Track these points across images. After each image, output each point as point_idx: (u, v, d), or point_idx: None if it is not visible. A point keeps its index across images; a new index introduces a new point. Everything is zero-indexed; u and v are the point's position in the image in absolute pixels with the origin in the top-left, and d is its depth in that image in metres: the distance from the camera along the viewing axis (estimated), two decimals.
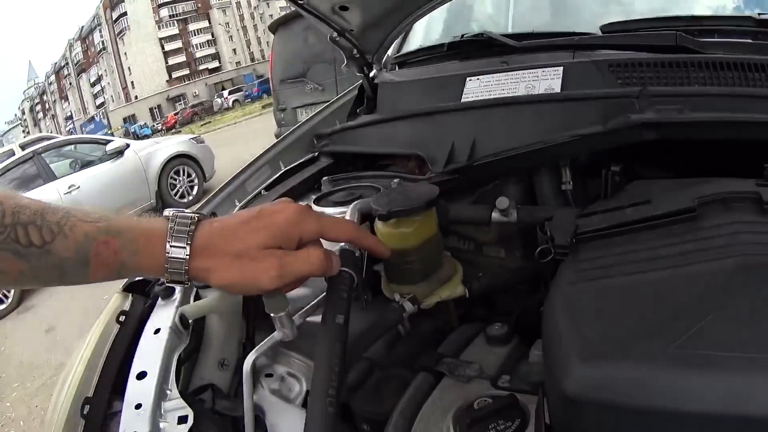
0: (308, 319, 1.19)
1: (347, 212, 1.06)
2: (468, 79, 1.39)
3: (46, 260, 0.74)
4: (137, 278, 1.31)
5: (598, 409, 0.61)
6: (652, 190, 0.95)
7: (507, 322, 1.05)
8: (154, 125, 56.08)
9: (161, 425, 0.93)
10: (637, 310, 0.70)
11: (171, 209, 0.80)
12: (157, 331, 1.11)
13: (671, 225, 0.82)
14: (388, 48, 1.74)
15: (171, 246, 0.76)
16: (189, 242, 0.76)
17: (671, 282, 0.72)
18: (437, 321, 1.25)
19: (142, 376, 1.02)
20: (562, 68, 1.29)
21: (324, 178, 1.36)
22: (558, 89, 1.28)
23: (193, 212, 0.80)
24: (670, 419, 0.58)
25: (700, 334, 0.61)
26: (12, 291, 7.58)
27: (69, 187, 8.44)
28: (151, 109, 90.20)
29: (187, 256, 0.76)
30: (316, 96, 6.72)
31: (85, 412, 1.01)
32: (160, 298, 1.20)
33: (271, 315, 0.91)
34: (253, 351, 0.97)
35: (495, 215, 1.11)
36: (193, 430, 0.92)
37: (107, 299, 1.32)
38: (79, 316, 6.25)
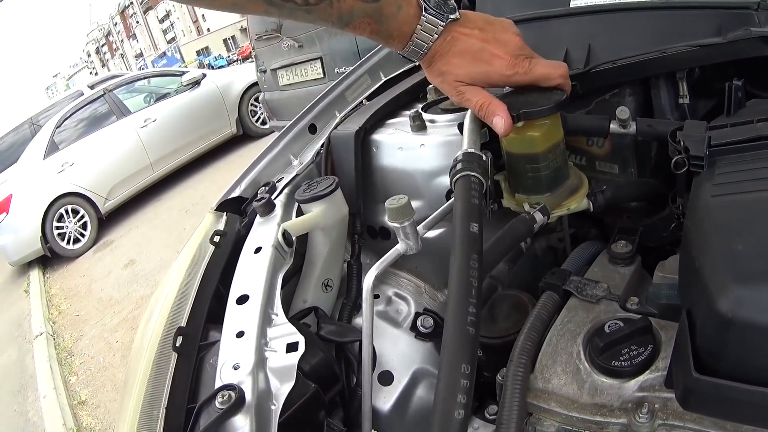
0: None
1: (466, 116, 1.00)
2: None
3: (300, 15, 0.85)
4: (231, 196, 1.29)
5: (754, 330, 0.58)
6: None
7: (630, 241, 1.01)
8: (228, 56, 56.35)
9: (267, 354, 0.86)
10: None
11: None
12: (258, 250, 1.07)
13: None
14: None
15: (411, 46, 0.91)
16: (435, 37, 0.91)
17: None
18: (551, 239, 1.21)
19: (243, 300, 0.96)
20: None
21: (429, 86, 1.31)
22: None
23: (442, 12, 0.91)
24: None
25: None
26: (89, 229, 7.89)
27: (144, 121, 8.72)
28: (225, 41, 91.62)
29: (422, 54, 0.92)
30: (294, 55, 6.11)
31: (177, 345, 0.94)
32: (258, 216, 1.17)
33: (394, 225, 0.88)
34: (375, 266, 0.91)
35: (614, 126, 1.06)
36: (302, 356, 0.86)
37: (189, 230, 1.30)
38: (159, 248, 6.48)
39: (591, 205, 1.02)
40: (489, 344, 0.98)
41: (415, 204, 1.17)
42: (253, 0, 0.82)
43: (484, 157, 0.88)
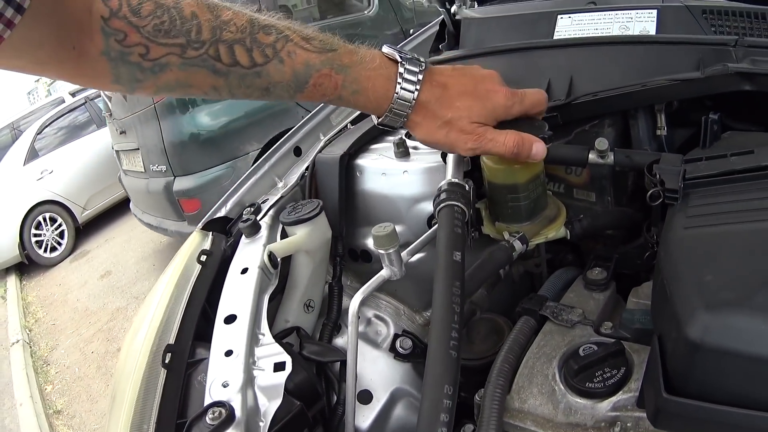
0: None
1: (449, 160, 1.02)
2: (559, 16, 1.36)
3: (251, 81, 0.77)
4: (217, 216, 1.31)
5: (719, 355, 0.62)
6: (749, 141, 0.95)
7: (605, 268, 1.04)
8: None
9: (255, 372, 0.88)
10: (757, 258, 0.69)
11: (392, 48, 0.83)
12: (244, 270, 1.08)
13: None
14: None
15: (397, 97, 0.82)
16: (414, 94, 0.82)
17: None
18: (528, 264, 1.24)
19: (231, 319, 0.97)
20: (656, 11, 1.26)
21: None
22: (653, 32, 1.26)
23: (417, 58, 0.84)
24: None
25: None
26: (66, 238, 7.80)
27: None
28: None
29: (410, 110, 0.83)
30: (121, 140, 5.32)
31: (166, 361, 0.95)
32: (244, 236, 1.18)
33: (379, 251, 0.91)
34: (361, 290, 0.94)
35: (592, 156, 1.08)
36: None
37: (164, 243, 1.31)
38: (135, 261, 6.42)
39: (568, 233, 1.05)
40: (467, 366, 1.00)
41: (398, 228, 1.20)
42: (199, 72, 0.75)
43: (467, 187, 0.90)
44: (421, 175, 1.18)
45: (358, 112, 1.53)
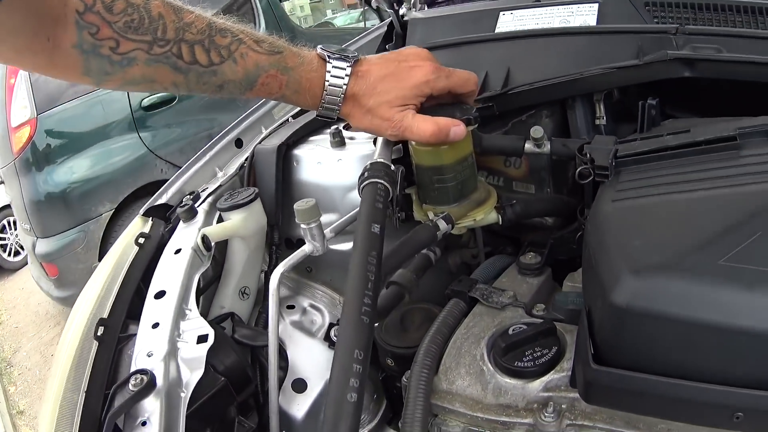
0: (335, 248, 1.16)
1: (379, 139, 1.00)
2: (501, 13, 1.34)
3: (207, 78, 0.82)
4: (158, 203, 1.28)
5: (648, 320, 0.59)
6: (688, 126, 0.91)
7: (540, 253, 1.01)
8: None
9: (179, 344, 0.87)
10: (683, 226, 0.67)
11: (324, 49, 0.88)
12: (177, 251, 1.06)
13: (712, 153, 0.79)
14: None
15: (326, 94, 0.86)
16: (343, 89, 0.86)
17: (718, 201, 0.69)
18: (464, 254, 1.20)
19: (160, 295, 0.97)
20: (597, 4, 1.23)
21: None
22: (594, 24, 1.23)
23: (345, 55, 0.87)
24: (720, 333, 0.56)
25: (750, 250, 0.58)
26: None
27: None
28: None
29: (340, 104, 0.87)
30: None
31: (99, 334, 0.95)
32: (181, 221, 1.15)
33: (302, 226, 0.88)
34: (281, 264, 0.91)
35: (528, 146, 1.06)
36: (215, 355, 0.88)
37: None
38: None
39: (500, 218, 1.02)
40: (400, 354, 0.95)
41: (331, 217, 1.17)
42: (162, 68, 0.79)
43: (392, 167, 0.87)
44: (355, 163, 1.15)
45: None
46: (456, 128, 0.88)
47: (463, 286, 0.96)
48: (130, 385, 0.76)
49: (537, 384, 0.77)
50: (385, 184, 0.83)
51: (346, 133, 1.20)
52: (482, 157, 1.07)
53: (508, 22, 1.31)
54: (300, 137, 1.30)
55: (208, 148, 1.41)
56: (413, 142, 0.96)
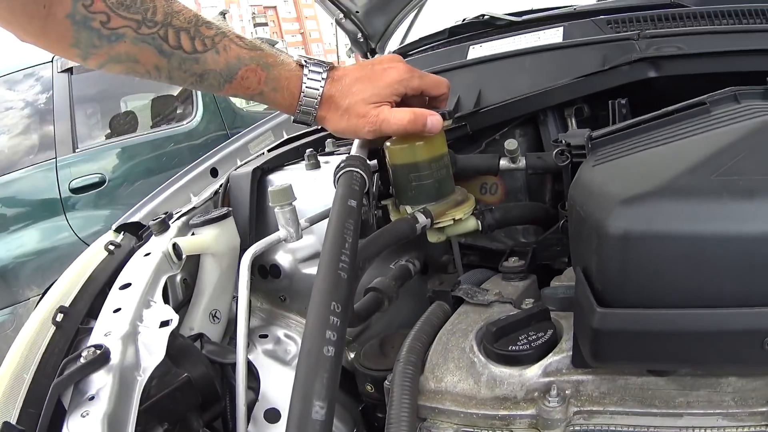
0: (308, 272, 1.12)
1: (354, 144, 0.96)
2: (471, 47, 1.34)
3: (189, 65, 0.81)
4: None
5: (651, 243, 0.53)
6: None
7: (522, 257, 0.96)
8: None
9: (140, 329, 0.81)
10: (667, 162, 0.61)
11: (301, 56, 0.88)
12: (147, 254, 1.02)
13: (684, 119, 0.74)
14: (392, 34, 1.73)
15: (303, 96, 0.85)
16: (320, 91, 0.85)
17: (697, 142, 0.64)
18: (443, 279, 1.14)
19: (125, 287, 0.92)
20: (562, 28, 1.24)
21: (328, 140, 1.26)
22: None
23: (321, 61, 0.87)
24: (729, 244, 0.51)
25: (739, 165, 0.54)
26: None
27: None
28: None
29: (317, 106, 0.86)
30: None
31: (57, 320, 0.90)
32: (154, 235, 1.11)
33: (276, 210, 0.83)
34: (254, 245, 0.86)
35: (504, 162, 1.04)
36: (181, 364, 0.80)
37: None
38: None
39: (480, 224, 0.96)
40: (379, 377, 0.87)
41: (308, 239, 1.11)
42: (147, 49, 0.79)
43: (368, 161, 0.84)
44: (329, 183, 1.08)
45: (278, 142, 1.49)
46: (432, 118, 0.86)
47: (446, 287, 0.90)
48: (81, 357, 0.71)
49: (535, 369, 0.69)
50: (361, 173, 0.79)
51: (321, 158, 1.16)
52: (458, 183, 1.03)
53: (478, 53, 1.31)
54: (276, 165, 1.27)
55: (183, 174, 1.37)
56: (387, 143, 0.92)
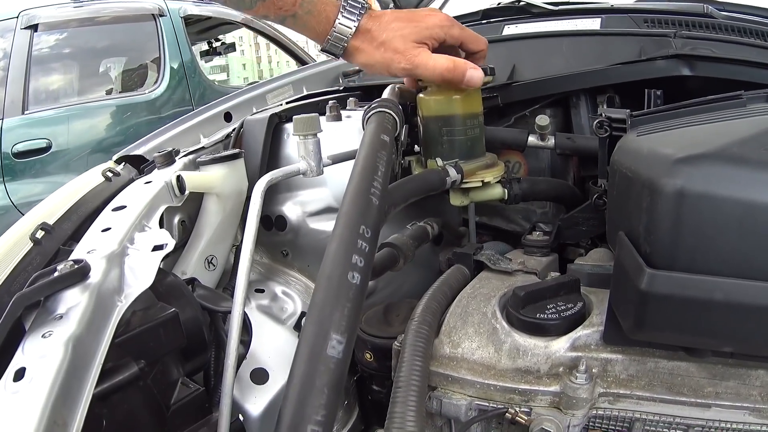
0: (316, 227, 1.01)
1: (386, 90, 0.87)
2: (506, 25, 1.26)
3: None
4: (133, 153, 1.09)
5: (704, 203, 0.46)
6: None
7: (546, 232, 0.87)
8: None
9: (129, 251, 0.68)
10: (717, 136, 0.53)
11: None
12: (148, 182, 0.88)
13: (722, 109, 0.68)
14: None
15: (339, 23, 0.77)
16: (357, 22, 0.77)
17: (740, 123, 0.58)
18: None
19: (119, 209, 0.79)
20: (600, 18, 1.16)
21: (351, 98, 1.15)
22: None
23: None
24: None
25: None
26: None
27: None
28: None
29: (351, 35, 0.77)
30: None
31: (36, 236, 0.77)
32: (157, 168, 0.97)
33: (298, 139, 0.73)
34: (269, 173, 0.73)
35: (532, 139, 0.96)
36: (168, 303, 0.67)
37: None
38: None
39: (506, 192, 0.88)
40: (381, 345, 0.75)
41: (320, 192, 0.99)
42: None
43: (399, 105, 0.76)
44: (350, 136, 0.99)
45: (297, 96, 1.38)
46: (473, 71, 0.77)
47: (467, 250, 0.80)
48: (56, 270, 0.57)
49: (563, 341, 0.60)
50: (393, 114, 0.70)
51: (344, 112, 1.04)
52: None
53: (513, 31, 1.22)
54: (294, 115, 1.14)
55: (195, 114, 1.24)
56: (421, 94, 0.84)
